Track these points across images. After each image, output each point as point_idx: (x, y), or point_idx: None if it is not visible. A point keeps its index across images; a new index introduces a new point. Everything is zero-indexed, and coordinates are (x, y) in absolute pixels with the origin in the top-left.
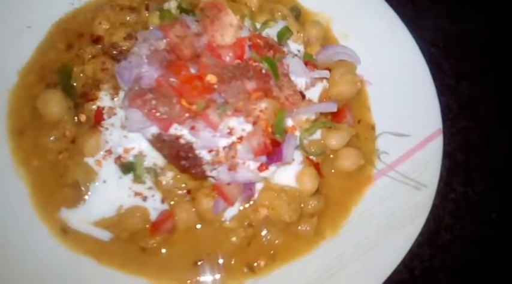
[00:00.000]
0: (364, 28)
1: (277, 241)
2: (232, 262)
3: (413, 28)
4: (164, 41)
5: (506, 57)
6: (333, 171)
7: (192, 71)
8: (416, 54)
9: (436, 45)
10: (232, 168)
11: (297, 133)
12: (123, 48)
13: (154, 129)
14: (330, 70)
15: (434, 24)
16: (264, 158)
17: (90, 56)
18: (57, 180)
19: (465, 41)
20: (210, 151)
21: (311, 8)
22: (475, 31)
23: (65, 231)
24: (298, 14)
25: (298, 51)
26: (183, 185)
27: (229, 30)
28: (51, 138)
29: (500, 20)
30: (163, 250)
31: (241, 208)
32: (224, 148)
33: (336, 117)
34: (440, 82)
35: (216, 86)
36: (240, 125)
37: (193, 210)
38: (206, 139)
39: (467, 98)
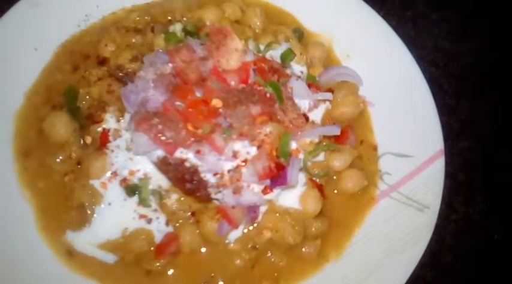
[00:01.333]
0: (366, 48)
1: (281, 264)
2: None
3: (413, 48)
4: (170, 65)
5: (506, 75)
6: (335, 191)
7: (198, 94)
8: (418, 76)
9: (436, 64)
10: (237, 191)
11: (301, 155)
12: (129, 70)
13: (159, 152)
14: (332, 91)
15: (434, 44)
16: (267, 181)
17: (96, 78)
18: (63, 202)
19: (464, 60)
20: (215, 174)
21: (313, 29)
22: (474, 50)
23: (70, 254)
24: (300, 35)
25: (301, 72)
26: (188, 207)
27: (234, 55)
28: (57, 160)
29: (498, 39)
30: (168, 273)
31: (245, 230)
32: (229, 171)
33: (338, 138)
34: (441, 102)
35: (221, 110)
36: (245, 148)
37: (198, 232)
38: (211, 163)
39: (467, 117)
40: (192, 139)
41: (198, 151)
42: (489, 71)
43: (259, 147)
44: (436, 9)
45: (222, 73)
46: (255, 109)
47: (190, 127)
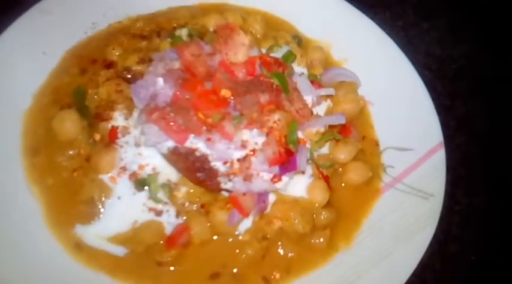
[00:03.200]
0: (362, 52)
1: (291, 254)
2: (248, 275)
3: (406, 54)
4: (179, 61)
5: (495, 76)
6: (342, 184)
7: (207, 86)
8: (412, 73)
9: (429, 68)
10: (247, 178)
11: (307, 145)
12: (136, 72)
13: (170, 143)
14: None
15: (426, 50)
16: (276, 169)
17: (104, 79)
18: (72, 197)
19: (456, 63)
20: (224, 163)
21: (311, 35)
22: (464, 54)
23: (80, 247)
24: (299, 41)
25: (302, 73)
26: (197, 199)
27: (241, 48)
28: (66, 157)
29: (486, 44)
30: (179, 264)
31: (255, 220)
32: (238, 160)
33: (342, 132)
34: (436, 103)
35: (230, 100)
36: (253, 138)
37: (208, 224)
38: (221, 151)
39: (462, 115)
40: (203, 126)
41: (208, 139)
42: (480, 72)
43: (268, 134)
44: (426, 19)
45: (230, 66)
46: (263, 98)
47: (201, 116)
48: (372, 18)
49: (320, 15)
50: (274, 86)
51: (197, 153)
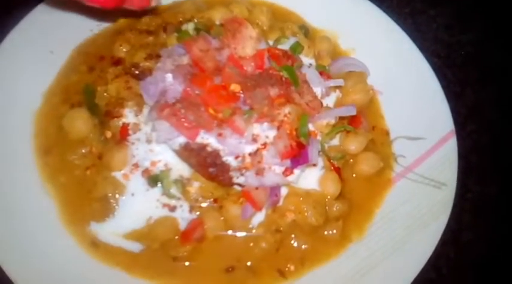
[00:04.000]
0: (370, 41)
1: (305, 246)
2: (263, 268)
3: (414, 41)
4: (187, 56)
5: (505, 62)
6: (354, 175)
7: (216, 81)
8: (421, 61)
9: (438, 55)
10: (259, 172)
11: (318, 137)
12: (144, 67)
13: (181, 139)
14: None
15: (434, 37)
16: (288, 162)
17: (113, 76)
18: (85, 195)
19: (465, 49)
20: (236, 157)
21: (318, 25)
22: (473, 40)
23: (95, 244)
24: (306, 31)
25: (310, 64)
26: (210, 194)
27: (249, 42)
28: (78, 155)
29: (494, 30)
30: (194, 259)
31: (268, 214)
32: (250, 154)
33: (352, 123)
34: (446, 90)
35: (240, 94)
36: (264, 132)
37: (221, 217)
38: (233, 146)
39: (473, 102)
40: (214, 121)
41: (219, 134)
42: (489, 59)
43: (279, 127)
44: (433, 5)
45: (238, 60)
46: (273, 91)
47: (211, 111)
48: (378, 6)
49: (326, 4)
50: (284, 79)
51: (209, 148)
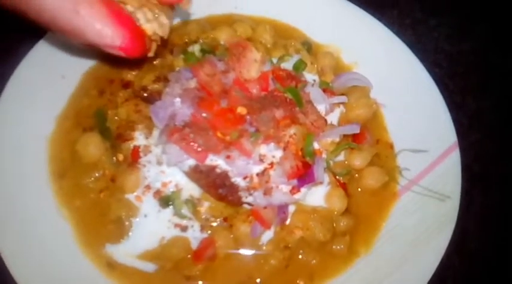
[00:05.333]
0: (372, 54)
1: (313, 261)
2: None
3: (415, 52)
4: (194, 79)
5: (506, 70)
6: (359, 189)
7: (223, 104)
8: (423, 74)
9: (439, 65)
10: (267, 192)
11: (324, 155)
12: (153, 90)
13: (191, 162)
14: (345, 95)
15: (435, 47)
16: (295, 181)
17: (123, 99)
18: (100, 218)
19: (465, 59)
20: (244, 178)
21: (320, 41)
22: (474, 50)
23: (111, 266)
24: (309, 47)
25: (314, 80)
26: (220, 213)
27: (254, 65)
28: (92, 179)
29: (495, 39)
30: (207, 278)
31: (277, 231)
32: (257, 174)
33: (356, 139)
34: (448, 100)
35: (247, 117)
36: (270, 152)
37: (231, 236)
38: (241, 167)
39: (475, 112)
40: (222, 145)
41: (228, 157)
42: (490, 68)
43: (285, 149)
44: (434, 15)
45: (244, 83)
46: (278, 113)
47: (219, 134)
48: (379, 18)
49: (327, 20)
50: (288, 100)
51: (218, 170)
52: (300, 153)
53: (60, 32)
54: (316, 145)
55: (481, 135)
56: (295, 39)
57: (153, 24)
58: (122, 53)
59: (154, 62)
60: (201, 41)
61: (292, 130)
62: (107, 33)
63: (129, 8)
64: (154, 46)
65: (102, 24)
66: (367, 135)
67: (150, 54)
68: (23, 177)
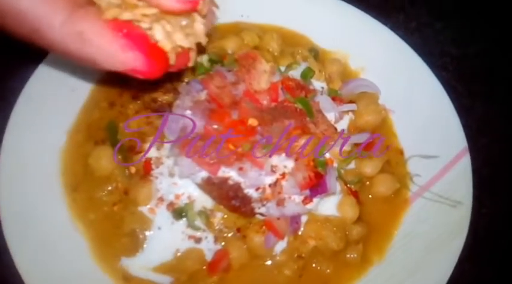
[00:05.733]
0: (379, 59)
1: (327, 271)
2: None
3: (421, 56)
4: (204, 91)
5: None
6: (370, 196)
7: (234, 116)
8: (431, 79)
9: (446, 69)
10: (280, 203)
11: (335, 164)
12: (163, 101)
13: (203, 174)
14: (353, 102)
15: (441, 50)
16: (307, 191)
17: (133, 112)
18: (114, 231)
19: (473, 62)
20: (257, 189)
21: (327, 47)
22: (481, 52)
23: (127, 279)
24: (316, 54)
25: (322, 88)
26: (233, 224)
27: (264, 76)
28: (105, 192)
29: (502, 39)
30: None
31: (290, 241)
32: (270, 185)
33: (367, 146)
34: (456, 103)
35: (258, 128)
36: (282, 162)
37: (245, 247)
38: (253, 178)
39: (483, 116)
40: (234, 157)
41: (240, 169)
42: (497, 71)
43: (296, 159)
44: (439, 19)
45: (254, 94)
46: (290, 124)
47: (231, 147)
48: (385, 22)
49: (334, 26)
50: (298, 110)
51: (230, 182)
52: (311, 164)
53: (75, 61)
54: (326, 155)
55: (489, 139)
56: (302, 46)
57: (176, 35)
58: (139, 75)
59: None
60: (208, 51)
61: (303, 141)
62: (117, 58)
63: (144, 25)
64: (193, 55)
65: (110, 49)
66: (377, 141)
67: (190, 63)
68: (37, 192)
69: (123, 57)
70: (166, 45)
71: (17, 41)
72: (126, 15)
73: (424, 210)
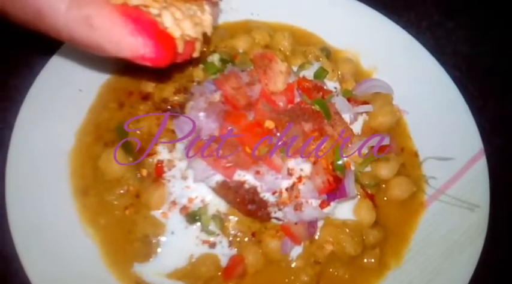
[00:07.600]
0: (391, 58)
1: (345, 276)
2: None
3: (434, 55)
4: (218, 92)
5: None
6: (385, 199)
7: (249, 118)
8: (445, 79)
9: (459, 68)
10: (298, 207)
11: (352, 167)
12: (174, 102)
13: (218, 177)
14: (367, 103)
15: (453, 50)
16: (324, 195)
17: (143, 113)
18: (126, 236)
19: (485, 61)
20: (273, 193)
21: (339, 46)
22: (493, 52)
23: None
24: (328, 53)
25: (335, 88)
26: (248, 229)
27: (280, 77)
28: (116, 195)
29: None
30: None
31: (306, 246)
32: (286, 189)
33: (381, 148)
34: (469, 103)
35: (275, 131)
36: (298, 165)
37: (261, 252)
38: (270, 182)
39: (497, 116)
40: (251, 160)
41: (257, 172)
42: (510, 70)
43: (315, 162)
44: (451, 18)
45: (270, 95)
46: (307, 126)
47: (247, 150)
48: (396, 21)
49: (345, 24)
50: (315, 112)
51: (246, 185)
52: (330, 167)
53: (80, 47)
54: (344, 158)
55: (504, 139)
56: (313, 45)
57: (185, 23)
58: (148, 63)
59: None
60: (219, 50)
61: (321, 144)
62: (125, 44)
63: (153, 10)
64: (198, 45)
65: (119, 35)
66: (392, 143)
67: (195, 54)
68: (46, 196)
69: (131, 43)
70: (175, 31)
71: (23, 36)
72: (136, 0)
73: (441, 213)
